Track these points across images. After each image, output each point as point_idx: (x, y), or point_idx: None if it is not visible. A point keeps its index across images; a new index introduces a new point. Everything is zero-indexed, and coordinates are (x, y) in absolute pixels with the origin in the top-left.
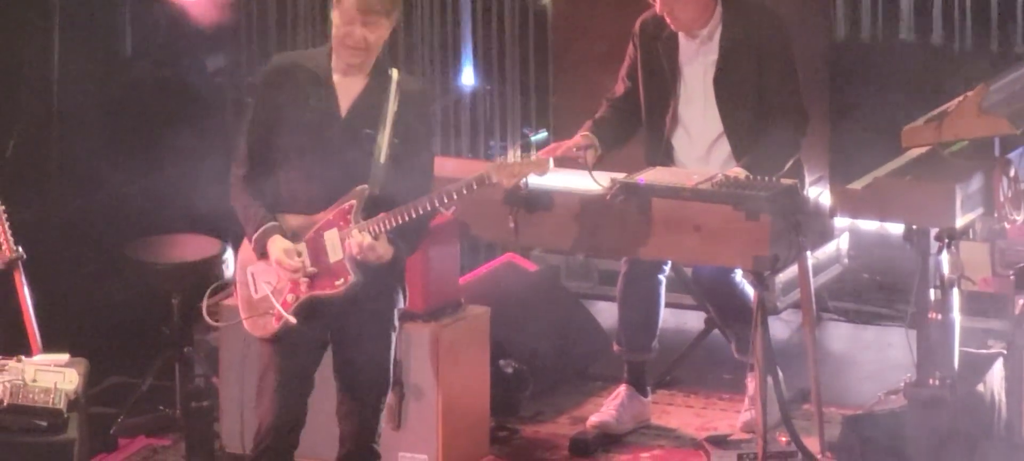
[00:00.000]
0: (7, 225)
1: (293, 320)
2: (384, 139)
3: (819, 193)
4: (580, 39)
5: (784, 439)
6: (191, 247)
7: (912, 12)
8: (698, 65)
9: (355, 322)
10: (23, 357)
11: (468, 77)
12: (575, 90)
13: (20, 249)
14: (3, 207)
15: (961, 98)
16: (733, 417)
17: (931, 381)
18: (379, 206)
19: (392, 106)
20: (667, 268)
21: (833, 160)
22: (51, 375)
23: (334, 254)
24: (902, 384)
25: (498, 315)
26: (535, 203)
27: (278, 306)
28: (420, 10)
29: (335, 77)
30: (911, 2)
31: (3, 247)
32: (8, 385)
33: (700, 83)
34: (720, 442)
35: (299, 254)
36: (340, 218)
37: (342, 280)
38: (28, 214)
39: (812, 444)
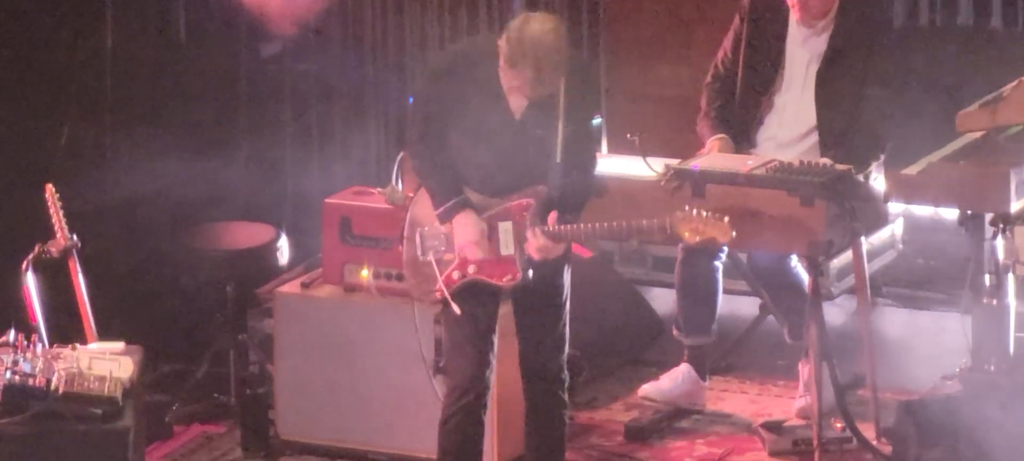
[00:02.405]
0: (62, 213)
1: (457, 310)
2: (558, 134)
3: (874, 178)
4: (631, 25)
5: (839, 425)
6: (245, 234)
7: None
8: (804, 53)
9: (531, 301)
10: (78, 345)
11: None
12: (626, 76)
13: (75, 237)
14: (57, 195)
15: (1016, 83)
16: (788, 403)
17: (986, 367)
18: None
19: (562, 94)
20: (723, 254)
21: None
22: (106, 363)
23: (506, 247)
24: (957, 370)
25: None
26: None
27: (441, 281)
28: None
29: (504, 83)
30: None
31: (58, 235)
32: (64, 373)
33: (802, 72)
34: (775, 428)
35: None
36: (517, 213)
37: (511, 276)
38: (82, 202)
39: (867, 430)
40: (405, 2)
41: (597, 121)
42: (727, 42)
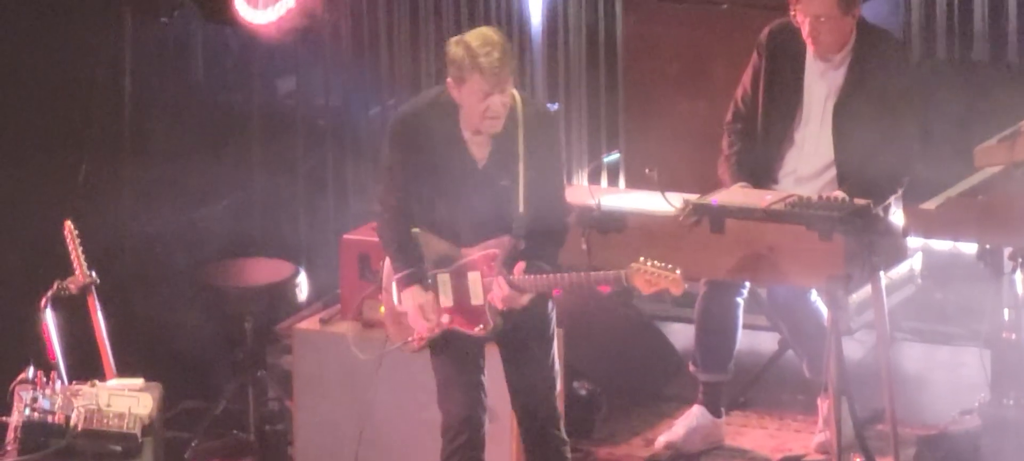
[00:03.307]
0: (81, 250)
1: (439, 330)
2: (520, 184)
3: (892, 213)
4: (649, 59)
5: (858, 460)
6: (264, 270)
7: (986, 31)
8: (822, 88)
9: (516, 340)
10: (97, 381)
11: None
12: (644, 111)
13: (94, 274)
14: (76, 232)
15: None
16: (807, 438)
17: (1006, 401)
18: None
19: (522, 143)
20: (745, 291)
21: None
22: (125, 399)
23: (475, 297)
24: (976, 404)
25: (572, 337)
26: (608, 224)
27: (417, 332)
28: None
29: (466, 134)
30: (985, 21)
31: (77, 272)
32: (83, 410)
33: (820, 106)
34: None
35: (436, 309)
36: (484, 263)
37: (482, 326)
38: (101, 239)
39: None
40: (420, 37)
41: (615, 156)
42: (746, 78)
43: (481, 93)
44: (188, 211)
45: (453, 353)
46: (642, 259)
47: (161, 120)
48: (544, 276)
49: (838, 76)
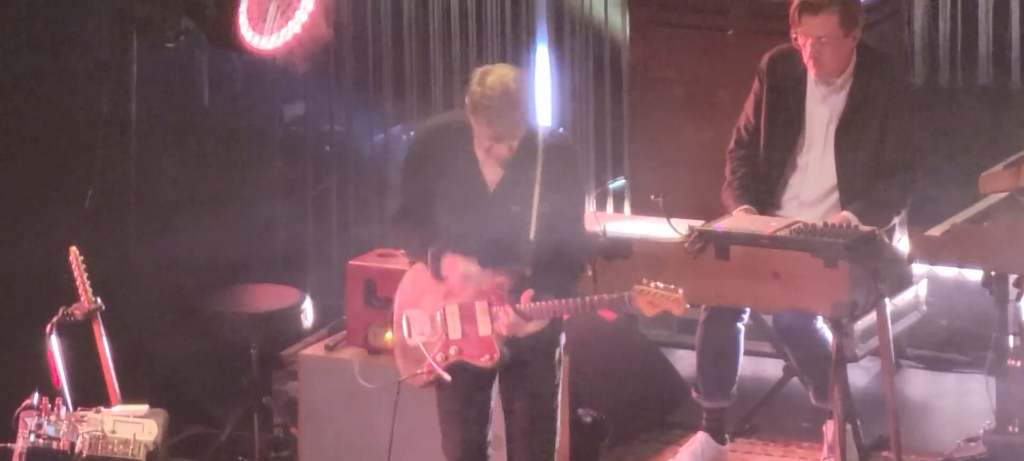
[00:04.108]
0: (86, 276)
1: (447, 378)
2: (534, 211)
3: (897, 240)
4: (654, 86)
5: None
6: (269, 297)
7: (990, 58)
8: (824, 112)
9: (520, 372)
10: (102, 408)
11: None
12: (650, 138)
13: (99, 300)
14: (82, 258)
15: None
16: None
17: (1010, 428)
18: (532, 275)
19: (539, 172)
20: (746, 315)
21: (911, 206)
22: (130, 426)
23: (483, 327)
24: (981, 431)
25: (577, 363)
26: (614, 251)
27: (430, 360)
28: (493, 58)
29: (480, 155)
30: (989, 48)
31: (82, 298)
32: (88, 436)
33: (822, 130)
34: None
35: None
36: (492, 292)
37: (488, 356)
38: (107, 265)
39: None
40: (429, 63)
41: (620, 182)
42: (748, 106)
43: (486, 135)
44: (194, 237)
45: (457, 388)
46: (644, 281)
47: (167, 146)
48: (547, 304)
49: (839, 100)
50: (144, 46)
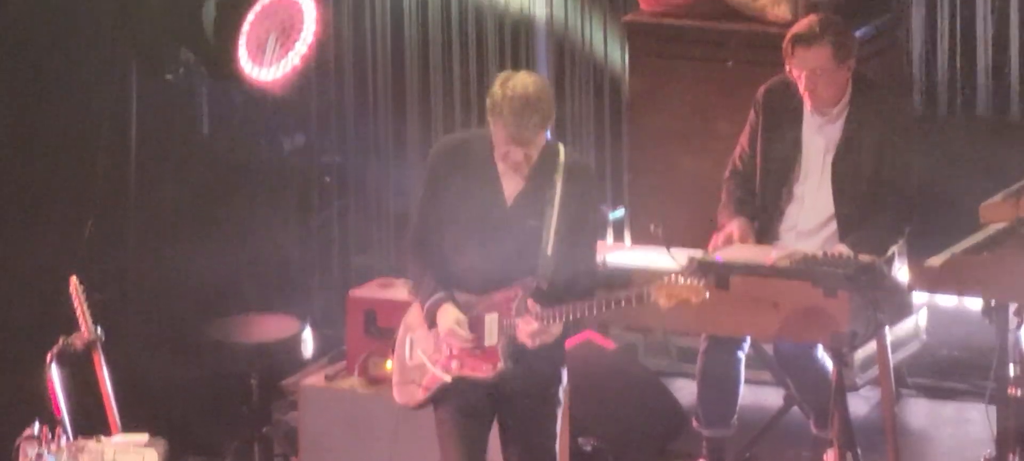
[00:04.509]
0: (86, 306)
1: (448, 378)
2: (551, 227)
3: (897, 269)
4: (654, 116)
5: None
6: (269, 327)
7: (989, 87)
8: (819, 142)
9: (521, 406)
10: (103, 437)
11: None
12: (649, 167)
13: (99, 330)
14: (82, 288)
15: None
16: None
17: (1011, 457)
18: (546, 291)
19: (559, 189)
20: (746, 345)
21: (911, 236)
22: (131, 455)
23: (490, 338)
24: (982, 460)
25: (577, 392)
26: (613, 281)
27: (434, 369)
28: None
29: (500, 166)
30: (988, 78)
31: (82, 328)
32: None
33: (819, 161)
34: None
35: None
36: (503, 304)
37: (492, 366)
38: (107, 295)
39: None
40: (429, 93)
41: (619, 213)
42: (744, 137)
43: (502, 138)
44: (193, 267)
45: (457, 409)
46: (667, 277)
47: (167, 176)
48: (565, 306)
49: (836, 130)
50: (143, 77)
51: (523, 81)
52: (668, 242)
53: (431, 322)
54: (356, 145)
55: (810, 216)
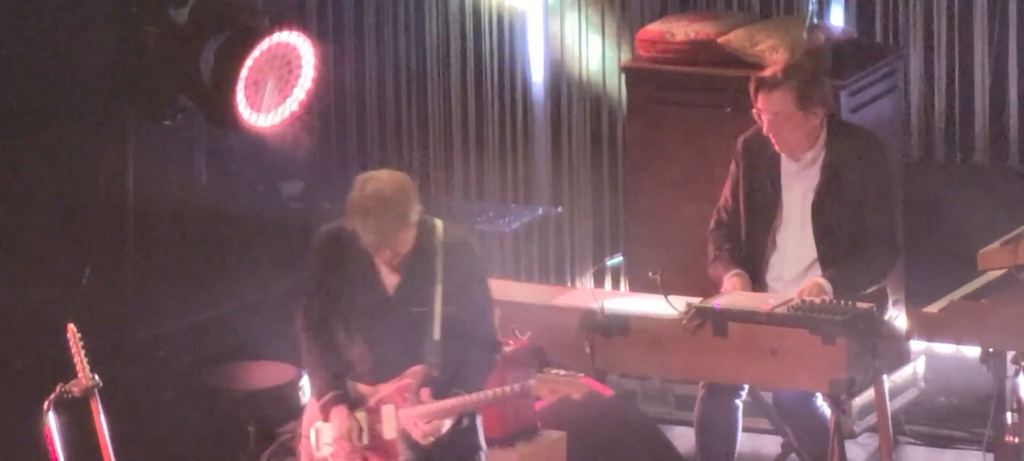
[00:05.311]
0: (83, 353)
1: None
2: (436, 312)
3: (895, 316)
4: (653, 163)
5: None
6: (267, 374)
7: (987, 135)
8: (798, 188)
9: None
10: None
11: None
12: (648, 214)
13: (96, 377)
14: (79, 335)
15: None
16: None
17: None
18: (439, 377)
19: (439, 272)
20: (744, 392)
21: (909, 283)
22: None
23: (388, 431)
24: None
25: (575, 440)
26: (611, 328)
27: None
28: (492, 134)
29: (378, 260)
30: (986, 125)
31: (80, 375)
32: None
33: (798, 206)
34: None
35: (360, 426)
36: (398, 395)
37: None
38: (104, 341)
39: None
40: (428, 139)
41: (618, 260)
42: (726, 189)
43: (365, 241)
44: (191, 314)
45: None
46: (546, 369)
47: (164, 223)
48: (451, 400)
49: (813, 175)
50: (141, 124)
51: (379, 183)
52: (666, 289)
53: (325, 417)
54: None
55: (793, 264)
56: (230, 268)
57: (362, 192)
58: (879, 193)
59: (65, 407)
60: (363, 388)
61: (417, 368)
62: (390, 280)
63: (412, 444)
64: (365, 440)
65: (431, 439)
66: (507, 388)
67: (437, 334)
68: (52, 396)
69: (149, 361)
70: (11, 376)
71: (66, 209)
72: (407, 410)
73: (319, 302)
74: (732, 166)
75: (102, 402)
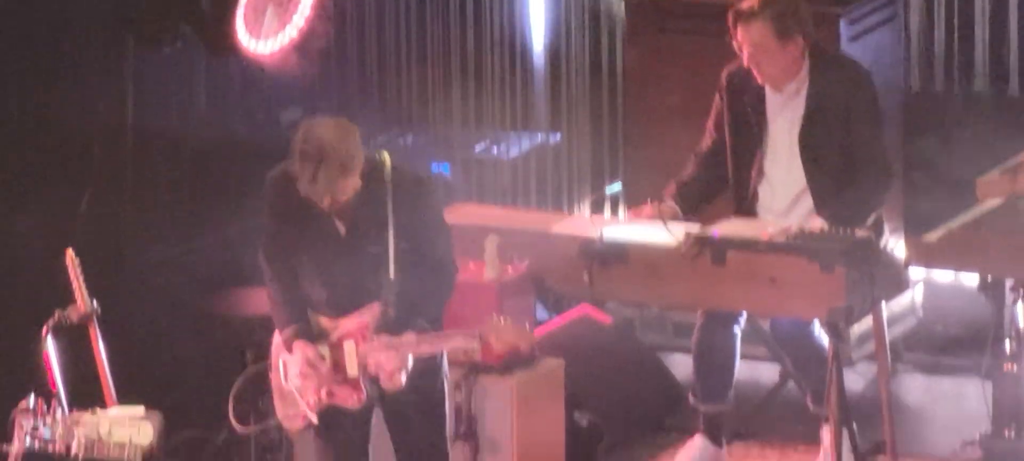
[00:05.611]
0: (82, 279)
1: (314, 420)
2: (389, 249)
3: (893, 245)
4: (652, 92)
5: None
6: (263, 300)
7: (986, 63)
8: (784, 119)
9: (402, 404)
10: (98, 410)
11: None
12: (647, 142)
13: (95, 302)
14: (78, 261)
15: None
16: None
17: (1007, 433)
18: (396, 315)
19: (390, 208)
20: (742, 320)
21: (907, 211)
22: (126, 428)
23: (351, 368)
24: (977, 436)
25: (573, 367)
26: (610, 256)
27: (303, 405)
28: (491, 62)
29: (327, 199)
30: (985, 53)
31: (78, 301)
32: (83, 438)
33: (785, 137)
34: None
35: (323, 358)
36: (358, 331)
37: (357, 398)
38: (102, 267)
39: None
40: (427, 67)
41: (617, 187)
42: (710, 121)
43: (303, 180)
44: (190, 240)
45: (333, 441)
46: (494, 316)
47: (163, 150)
48: (405, 339)
49: (798, 105)
50: (140, 51)
51: (320, 133)
52: (678, 214)
53: (289, 350)
54: (353, 118)
55: (783, 194)
56: (228, 195)
57: (304, 140)
58: (865, 120)
59: (63, 333)
60: (325, 322)
61: (374, 305)
62: (342, 221)
63: (373, 383)
64: (330, 371)
65: (396, 377)
66: (456, 331)
67: (392, 272)
68: (50, 322)
69: (147, 287)
70: (9, 302)
71: (65, 136)
72: (366, 346)
73: (274, 242)
74: (717, 99)
75: (100, 328)
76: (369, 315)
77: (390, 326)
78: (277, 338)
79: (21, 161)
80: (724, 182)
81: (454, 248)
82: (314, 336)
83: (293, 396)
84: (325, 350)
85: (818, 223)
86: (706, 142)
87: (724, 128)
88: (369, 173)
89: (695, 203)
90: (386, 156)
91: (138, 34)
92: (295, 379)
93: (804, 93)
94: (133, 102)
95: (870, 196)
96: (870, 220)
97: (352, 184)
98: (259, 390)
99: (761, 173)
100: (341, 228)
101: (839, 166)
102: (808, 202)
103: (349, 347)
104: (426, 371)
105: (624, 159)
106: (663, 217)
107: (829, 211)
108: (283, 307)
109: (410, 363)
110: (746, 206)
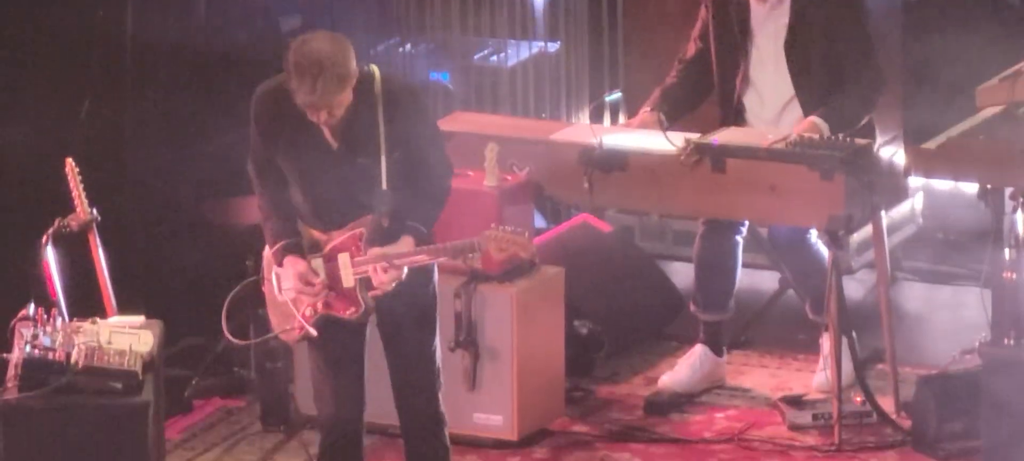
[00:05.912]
0: (82, 187)
1: (313, 333)
2: (382, 161)
3: (893, 153)
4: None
5: (859, 399)
6: None
7: None
8: (769, 29)
9: (394, 311)
10: (98, 319)
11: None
12: (646, 51)
13: (94, 211)
14: (77, 169)
15: None
16: (808, 377)
17: (1006, 341)
18: (390, 226)
19: (381, 121)
20: (744, 229)
21: (907, 120)
22: (126, 337)
23: (347, 279)
24: (977, 344)
25: (573, 275)
26: (610, 163)
27: (298, 317)
28: None
29: (323, 114)
30: None
31: (78, 209)
32: (83, 347)
33: (771, 46)
34: (795, 402)
35: (317, 272)
36: (352, 243)
37: (354, 310)
38: (102, 176)
39: (887, 404)
40: None
41: (617, 95)
42: (695, 31)
43: (301, 97)
44: (190, 149)
45: (329, 349)
46: (494, 225)
47: (163, 57)
48: (400, 251)
49: (782, 14)
50: None
51: (317, 46)
52: (664, 124)
53: (280, 264)
54: (354, 27)
55: (771, 103)
56: (228, 103)
57: (299, 53)
58: (851, 28)
59: (63, 241)
60: (317, 234)
61: (368, 218)
62: (333, 134)
63: (368, 291)
64: (326, 289)
65: (391, 286)
66: (451, 243)
67: (384, 183)
68: (50, 230)
69: (147, 195)
70: (9, 210)
71: (65, 44)
72: (361, 258)
73: (264, 156)
74: (702, 10)
75: (100, 236)
76: (362, 227)
77: (383, 237)
78: (268, 251)
79: (20, 70)
80: (708, 90)
81: (450, 155)
82: (305, 249)
83: (288, 308)
84: (319, 263)
85: (811, 121)
86: (690, 50)
87: (709, 38)
88: (359, 87)
89: (679, 109)
90: (375, 69)
91: None
92: (289, 292)
93: (787, 3)
94: (132, 9)
95: (863, 96)
96: (862, 122)
97: (346, 97)
98: (258, 301)
99: (746, 81)
100: (333, 142)
101: (827, 74)
102: (797, 110)
103: (344, 259)
104: (418, 277)
105: (623, 67)
106: (661, 125)
107: (823, 110)
108: (272, 221)
109: (404, 274)
110: (732, 114)
